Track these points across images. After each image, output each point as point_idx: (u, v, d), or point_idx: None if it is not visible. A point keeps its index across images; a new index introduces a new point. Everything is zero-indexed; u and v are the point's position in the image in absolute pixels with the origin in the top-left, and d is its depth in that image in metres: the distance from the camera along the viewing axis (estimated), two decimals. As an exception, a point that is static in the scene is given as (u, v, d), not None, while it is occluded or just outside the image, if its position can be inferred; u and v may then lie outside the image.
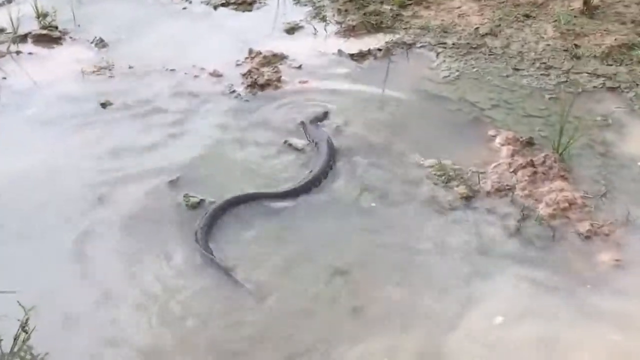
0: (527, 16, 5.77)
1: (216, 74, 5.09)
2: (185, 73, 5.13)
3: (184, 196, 3.90)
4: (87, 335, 3.16)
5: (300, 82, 5.02)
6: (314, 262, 3.52)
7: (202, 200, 3.87)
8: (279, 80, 5.00)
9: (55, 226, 3.72)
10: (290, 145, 4.35)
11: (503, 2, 6.01)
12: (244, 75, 5.06)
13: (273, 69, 5.13)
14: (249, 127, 4.53)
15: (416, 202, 3.90)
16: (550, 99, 4.78)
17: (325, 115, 4.62)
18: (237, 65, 5.23)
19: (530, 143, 4.31)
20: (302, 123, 4.54)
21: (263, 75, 5.00)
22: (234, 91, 4.89)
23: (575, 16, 5.68)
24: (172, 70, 5.17)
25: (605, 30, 5.48)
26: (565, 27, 5.53)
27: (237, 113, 4.68)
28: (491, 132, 4.43)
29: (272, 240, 3.66)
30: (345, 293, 3.37)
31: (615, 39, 5.33)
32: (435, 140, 4.41)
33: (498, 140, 4.35)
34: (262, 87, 4.94)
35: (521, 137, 4.32)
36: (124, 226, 3.75)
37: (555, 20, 5.65)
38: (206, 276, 3.45)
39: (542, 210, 3.77)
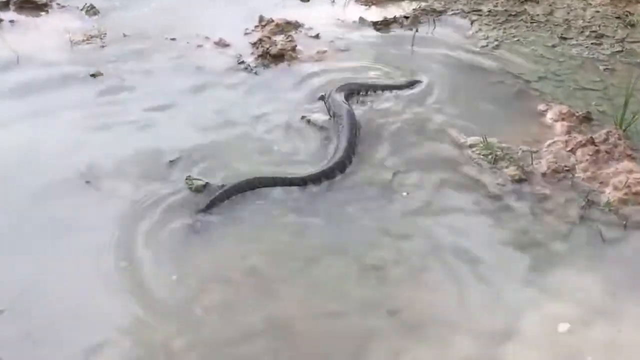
0: (571, -19, 5.22)
1: (222, 44, 4.56)
2: (188, 42, 4.60)
3: (187, 178, 3.36)
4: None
5: (318, 51, 4.48)
6: (342, 257, 2.98)
7: (207, 184, 3.33)
8: (293, 49, 4.46)
9: (36, 217, 3.18)
10: (309, 121, 3.82)
11: (542, -34, 5.44)
12: (253, 44, 4.53)
13: (287, 38, 4.59)
14: (261, 103, 3.99)
15: (458, 187, 3.37)
16: (605, 70, 4.25)
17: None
18: (246, 34, 4.70)
19: (587, 118, 3.78)
20: (323, 97, 4.00)
21: (276, 45, 4.46)
22: (242, 62, 4.36)
23: (625, -19, 5.13)
24: (172, 39, 4.64)
25: (660, -4, 4.93)
26: (615, -7, 4.98)
27: (246, 86, 4.14)
28: (541, 107, 3.89)
29: (292, 235, 3.12)
30: (379, 293, 2.83)
31: (673, 5, 4.79)
32: (477, 116, 3.88)
33: (550, 115, 3.81)
34: (275, 57, 4.40)
35: (577, 112, 3.78)
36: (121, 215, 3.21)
37: (603, -15, 5.10)
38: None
39: (610, 194, 3.24)
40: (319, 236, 3.07)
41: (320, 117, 3.85)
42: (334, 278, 2.87)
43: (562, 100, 3.94)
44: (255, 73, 4.28)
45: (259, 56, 4.41)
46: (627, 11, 4.81)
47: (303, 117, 3.83)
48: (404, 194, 3.29)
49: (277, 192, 3.30)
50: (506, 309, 2.79)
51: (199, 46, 4.56)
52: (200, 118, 3.83)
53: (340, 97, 3.87)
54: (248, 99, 4.03)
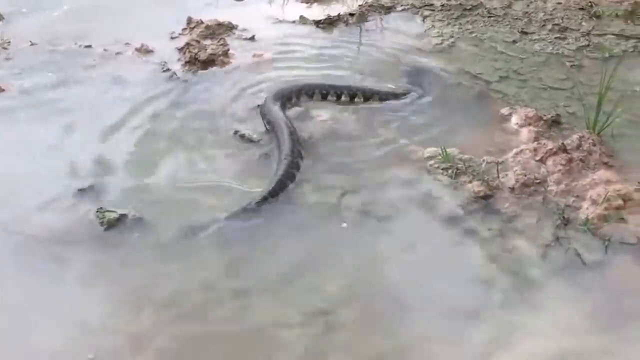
0: (529, -30, 4.89)
1: (145, 50, 4.09)
2: (105, 50, 4.12)
3: (98, 210, 2.89)
4: None
5: (253, 55, 4.04)
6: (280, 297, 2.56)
7: (122, 216, 2.87)
8: (225, 54, 4.02)
9: None
10: (242, 136, 3.37)
11: (497, -45, 5.10)
12: (180, 49, 4.08)
13: (218, 41, 4.15)
14: (188, 116, 3.55)
15: (414, 209, 2.97)
16: (572, 66, 3.91)
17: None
18: (173, 38, 4.24)
19: (556, 122, 3.43)
20: (259, 106, 3.57)
21: (205, 49, 4.01)
22: (167, 70, 3.90)
23: (582, -34, 4.82)
24: (87, 46, 4.16)
25: (625, -16, 4.62)
26: (577, -19, 4.66)
27: (171, 98, 3.69)
28: (504, 111, 3.52)
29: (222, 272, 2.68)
30: (331, 343, 2.41)
31: (639, -6, 4.49)
32: (434, 123, 3.50)
33: (515, 119, 3.45)
34: (205, 63, 3.96)
35: (544, 115, 3.43)
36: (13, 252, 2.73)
37: (563, -25, 4.78)
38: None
39: (588, 210, 2.87)
40: (252, 275, 2.63)
41: (257, 129, 3.42)
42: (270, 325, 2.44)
43: (527, 102, 3.59)
44: (183, 82, 3.82)
45: (187, 63, 3.96)
46: (590, 2, 4.50)
47: (236, 132, 3.40)
48: (344, 224, 2.85)
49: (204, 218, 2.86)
50: (473, 352, 2.40)
51: (118, 54, 4.09)
52: (117, 137, 3.36)
53: (276, 106, 3.45)
54: (173, 112, 3.58)
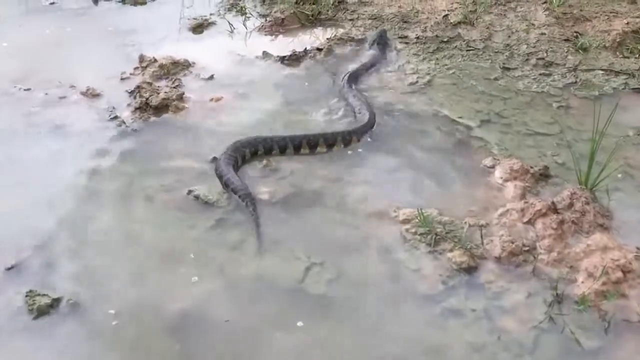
0: (508, -3, 4.64)
1: (91, 94, 3.76)
2: (46, 93, 3.78)
3: (28, 294, 2.56)
4: None
5: (211, 99, 3.72)
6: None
7: (57, 300, 2.54)
8: (180, 98, 3.70)
9: None
10: (197, 197, 3.05)
11: (474, -20, 4.85)
12: (131, 93, 3.75)
13: (172, 83, 3.83)
14: (136, 173, 3.22)
15: (388, 284, 2.67)
16: (559, 107, 3.65)
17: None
18: (123, 79, 3.91)
19: (545, 175, 3.15)
20: (216, 159, 3.26)
21: (158, 93, 3.69)
22: (115, 117, 3.58)
23: (570, -5, 4.58)
24: (27, 89, 3.81)
25: (611, 12, 4.41)
26: (560, 10, 4.43)
27: (118, 151, 3.36)
28: (487, 162, 3.25)
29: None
30: None
31: (626, 23, 4.27)
32: (409, 178, 3.20)
33: (499, 173, 3.17)
34: (157, 109, 3.64)
35: (531, 167, 3.15)
36: None
37: (546, 1, 4.55)
38: None
39: (584, 285, 2.59)
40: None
41: (212, 188, 3.09)
42: None
43: (511, 151, 3.32)
44: (133, 130, 3.49)
45: (137, 109, 3.63)
46: (575, 32, 4.25)
47: (189, 192, 3.07)
48: (299, 323, 2.53)
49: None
50: None
51: (62, 98, 3.75)
52: (53, 200, 3.03)
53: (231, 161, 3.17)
54: (119, 167, 3.25)
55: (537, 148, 3.35)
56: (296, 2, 4.63)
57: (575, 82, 3.82)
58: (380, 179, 3.18)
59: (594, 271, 2.62)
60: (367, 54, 4.06)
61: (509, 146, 3.36)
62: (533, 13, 4.43)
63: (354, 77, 3.81)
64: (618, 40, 4.16)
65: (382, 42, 4.11)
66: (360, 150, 3.39)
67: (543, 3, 4.54)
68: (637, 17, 4.31)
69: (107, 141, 3.41)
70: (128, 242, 2.84)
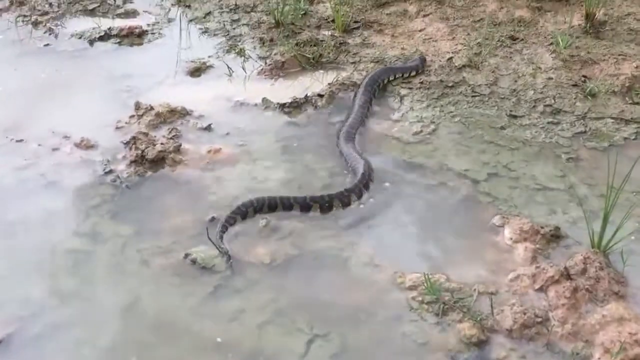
0: (514, 39, 4.57)
1: (85, 145, 3.68)
2: (39, 145, 3.69)
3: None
4: None
5: (209, 151, 3.63)
6: None
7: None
8: (177, 150, 3.61)
9: None
10: (194, 261, 2.95)
11: (478, 20, 4.78)
12: (126, 144, 3.66)
13: (169, 133, 3.75)
14: (130, 234, 3.13)
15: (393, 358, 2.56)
16: (568, 160, 3.55)
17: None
18: (118, 128, 3.82)
19: (556, 236, 3.05)
20: (214, 219, 3.17)
21: (154, 145, 3.60)
22: (110, 172, 3.49)
23: (576, 36, 4.50)
24: (19, 141, 3.72)
25: (620, 55, 4.31)
26: (567, 53, 4.34)
27: (112, 209, 3.27)
28: (496, 220, 3.15)
29: None
30: None
31: (636, 66, 4.18)
32: (414, 238, 3.11)
33: (508, 233, 3.07)
34: (153, 163, 3.54)
35: (542, 228, 3.05)
36: None
37: (552, 43, 4.46)
38: None
39: (601, 362, 2.48)
40: None
41: (210, 252, 3.00)
42: None
43: (520, 209, 3.22)
44: (127, 187, 3.40)
45: (133, 162, 3.54)
46: (583, 76, 4.16)
47: (187, 256, 2.98)
48: None
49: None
50: None
51: (55, 150, 3.66)
52: (44, 268, 2.94)
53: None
54: (114, 228, 3.17)
55: (547, 205, 3.25)
56: (297, 44, 4.55)
57: (585, 131, 3.73)
58: (384, 239, 3.09)
59: (610, 346, 2.52)
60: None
61: (517, 202, 3.26)
62: (540, 56, 4.35)
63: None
64: (627, 84, 4.07)
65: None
66: (362, 206, 3.29)
67: (549, 45, 4.46)
68: (646, 59, 4.23)
69: (101, 199, 3.32)
70: (123, 315, 2.74)
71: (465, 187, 3.38)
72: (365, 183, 3.32)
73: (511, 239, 3.04)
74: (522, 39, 4.56)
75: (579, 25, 4.62)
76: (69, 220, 3.19)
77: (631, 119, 3.80)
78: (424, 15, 4.88)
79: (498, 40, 4.52)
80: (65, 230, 3.14)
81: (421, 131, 3.78)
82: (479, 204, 3.28)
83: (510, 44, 4.51)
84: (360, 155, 3.48)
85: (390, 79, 4.13)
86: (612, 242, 2.90)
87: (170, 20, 4.99)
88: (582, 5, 4.83)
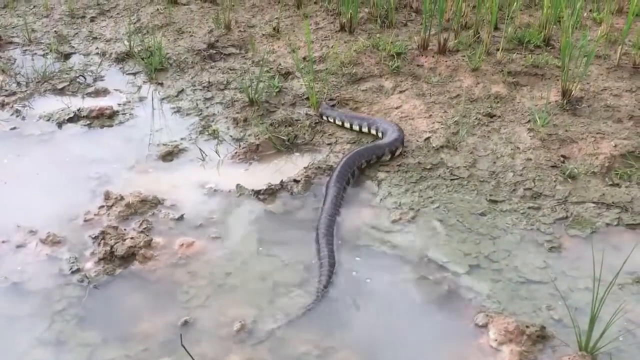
0: (491, 116, 4.57)
1: (52, 241, 3.56)
2: (3, 241, 3.56)
3: None
4: None
5: (181, 245, 3.54)
6: None
7: None
8: (148, 245, 3.51)
9: None
10: (166, 373, 2.83)
11: (455, 96, 4.78)
12: (95, 239, 3.55)
13: (140, 225, 3.65)
14: (100, 342, 3.00)
15: None
16: (551, 249, 3.49)
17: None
18: (86, 220, 3.72)
19: (542, 336, 2.99)
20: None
21: (124, 240, 3.50)
22: (77, 271, 3.38)
23: (554, 113, 4.52)
24: (-18, 237, 3.59)
25: (598, 133, 4.32)
26: (545, 131, 4.34)
27: (78, 314, 3.15)
28: (479, 319, 3.08)
29: None
30: None
31: (614, 145, 4.18)
32: (396, 343, 3.00)
33: (492, 334, 3.00)
34: (123, 259, 3.44)
35: (527, 328, 2.97)
36: None
37: (529, 121, 4.46)
38: None
39: None
40: None
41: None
42: None
43: (504, 305, 3.15)
44: (95, 287, 3.28)
45: (101, 259, 3.43)
46: (562, 156, 4.15)
47: (157, 366, 2.85)
48: None
49: None
50: None
51: (20, 247, 3.55)
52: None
53: None
54: (81, 335, 3.04)
55: (531, 300, 3.19)
56: (271, 124, 4.51)
57: (566, 216, 3.69)
58: (363, 343, 2.99)
59: None
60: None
61: (501, 298, 3.19)
62: (517, 135, 4.34)
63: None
64: (606, 165, 4.07)
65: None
66: (338, 303, 3.20)
67: (527, 122, 4.46)
68: (624, 138, 4.24)
69: (67, 302, 3.20)
70: None
71: (446, 282, 3.31)
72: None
73: (496, 340, 2.96)
74: (499, 116, 4.56)
75: (555, 101, 4.64)
76: (33, 327, 3.06)
77: (612, 203, 3.77)
78: (400, 92, 4.89)
79: (475, 118, 4.51)
80: (28, 339, 3.00)
81: (400, 219, 3.72)
82: (462, 300, 3.21)
83: (487, 122, 4.50)
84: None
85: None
86: (600, 344, 2.83)
87: (141, 99, 4.94)
88: (558, 80, 4.88)
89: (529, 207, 3.78)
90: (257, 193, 3.92)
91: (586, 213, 3.72)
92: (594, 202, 3.79)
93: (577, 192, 3.88)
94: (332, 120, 4.48)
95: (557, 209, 3.76)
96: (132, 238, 3.52)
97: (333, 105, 4.63)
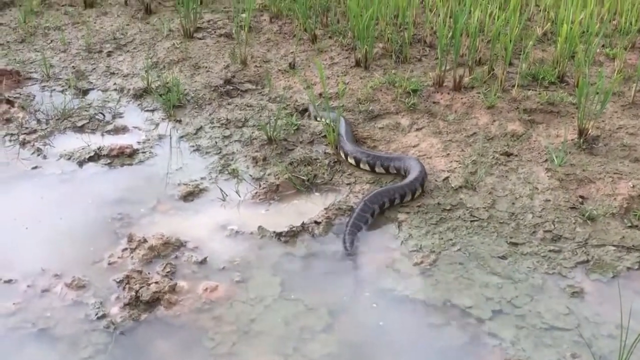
0: (508, 154, 4.61)
1: (77, 285, 3.59)
2: (29, 285, 3.60)
3: None
4: None
5: (205, 289, 3.57)
6: None
7: None
8: (173, 290, 3.54)
9: None
10: None
11: (472, 134, 4.83)
12: (119, 283, 3.59)
13: (163, 269, 3.69)
14: (127, 391, 3.01)
15: None
16: (573, 294, 3.52)
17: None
18: (110, 264, 3.75)
19: (568, 388, 2.99)
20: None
21: (148, 285, 3.53)
22: (103, 316, 3.40)
23: (570, 152, 4.55)
24: (8, 281, 3.62)
25: (615, 173, 4.36)
26: (563, 171, 4.38)
27: (106, 361, 3.16)
28: (505, 367, 3.08)
29: None
30: None
31: (632, 186, 4.22)
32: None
33: (518, 384, 3.00)
34: (148, 304, 3.47)
35: (553, 378, 2.99)
36: None
37: (547, 160, 4.50)
38: None
39: None
40: None
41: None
42: None
43: (529, 353, 3.17)
44: (121, 333, 3.31)
45: (127, 304, 3.46)
46: (580, 196, 4.19)
47: (186, 417, 2.87)
48: None
49: None
50: None
51: (45, 291, 3.57)
52: None
53: None
54: (108, 383, 3.04)
55: (555, 347, 3.21)
56: (290, 164, 4.56)
57: (587, 260, 3.72)
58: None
59: None
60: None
61: (525, 346, 3.21)
62: (535, 174, 4.38)
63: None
64: (625, 206, 4.10)
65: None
66: (361, 348, 3.23)
67: (544, 161, 4.50)
68: (642, 178, 4.27)
69: (94, 349, 3.23)
70: None
71: (470, 327, 3.33)
72: None
73: (522, 390, 2.98)
74: (517, 155, 4.61)
75: (572, 140, 4.68)
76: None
77: (632, 246, 3.80)
78: (417, 129, 4.93)
79: (493, 157, 4.55)
80: (57, 388, 3.03)
81: (422, 262, 3.75)
82: (486, 346, 3.23)
83: (505, 161, 4.54)
84: None
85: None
86: (627, 396, 2.85)
87: (161, 137, 4.99)
88: (573, 117, 4.93)
89: (550, 250, 3.80)
90: (278, 235, 3.95)
91: (607, 256, 3.75)
92: (614, 245, 3.82)
93: (596, 234, 3.90)
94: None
95: (577, 252, 3.79)
96: (156, 282, 3.55)
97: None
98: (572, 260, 3.73)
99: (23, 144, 4.86)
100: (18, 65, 5.92)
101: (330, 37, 6.29)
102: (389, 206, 4.09)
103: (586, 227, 3.95)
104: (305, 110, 5.16)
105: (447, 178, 4.39)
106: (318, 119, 4.84)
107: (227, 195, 4.32)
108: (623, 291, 3.43)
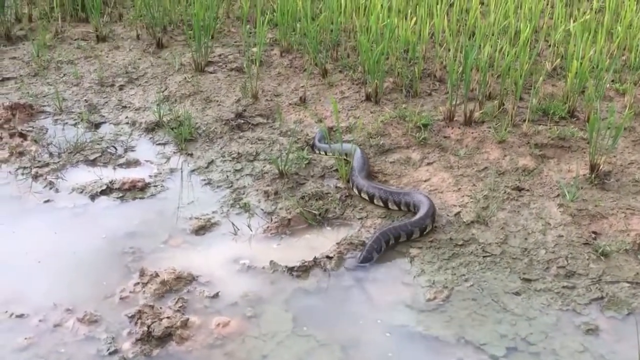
0: (520, 189, 4.61)
1: (88, 320, 3.60)
2: (41, 320, 3.59)
3: None
4: None
5: (217, 324, 3.57)
6: None
7: None
8: (185, 325, 3.54)
9: None
10: None
11: (483, 169, 4.84)
12: (131, 318, 3.58)
13: (176, 303, 3.69)
14: None
15: None
16: (587, 331, 3.49)
17: None
18: (122, 298, 3.75)
19: None
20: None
21: (160, 320, 3.53)
22: (115, 352, 3.40)
23: (582, 187, 4.55)
24: (19, 316, 3.62)
25: (628, 208, 4.36)
26: (575, 206, 4.37)
27: (119, 398, 3.14)
28: (520, 407, 3.05)
29: None
30: None
31: (645, 222, 4.20)
32: None
33: None
34: (161, 340, 3.47)
35: (570, 418, 2.96)
36: None
37: (558, 195, 4.50)
38: None
39: None
40: None
41: None
42: None
43: (545, 392, 3.14)
44: (134, 369, 3.30)
45: (139, 340, 3.45)
46: (593, 232, 4.18)
47: None
48: None
49: None
50: None
51: (57, 326, 3.57)
52: None
53: None
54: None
55: (571, 386, 3.18)
56: (301, 198, 4.57)
57: (602, 297, 3.70)
58: None
59: None
60: None
61: (541, 384, 3.19)
62: (547, 210, 4.38)
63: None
64: (638, 242, 4.09)
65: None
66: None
67: (555, 196, 4.50)
68: (655, 214, 4.26)
69: (106, 385, 3.22)
70: None
71: (485, 366, 3.31)
72: None
73: None
74: (528, 190, 4.61)
75: (583, 175, 4.68)
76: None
77: (646, 283, 3.79)
78: (428, 164, 4.95)
79: (504, 192, 4.56)
80: None
81: (435, 298, 3.74)
82: (503, 387, 3.21)
83: (516, 196, 4.54)
84: None
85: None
86: None
87: (172, 171, 5.01)
88: (584, 152, 4.94)
89: (563, 287, 3.79)
90: (290, 270, 3.95)
91: (621, 293, 3.73)
92: (628, 282, 3.80)
93: (610, 270, 3.89)
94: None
95: (591, 288, 3.77)
96: (168, 317, 3.55)
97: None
98: (586, 296, 3.72)
99: (35, 177, 4.88)
100: (31, 98, 5.97)
101: (340, 72, 6.34)
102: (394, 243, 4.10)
103: (600, 263, 3.94)
104: (313, 146, 5.18)
105: (458, 213, 4.40)
106: (322, 152, 4.89)
107: (238, 230, 4.33)
108: (635, 328, 3.41)
